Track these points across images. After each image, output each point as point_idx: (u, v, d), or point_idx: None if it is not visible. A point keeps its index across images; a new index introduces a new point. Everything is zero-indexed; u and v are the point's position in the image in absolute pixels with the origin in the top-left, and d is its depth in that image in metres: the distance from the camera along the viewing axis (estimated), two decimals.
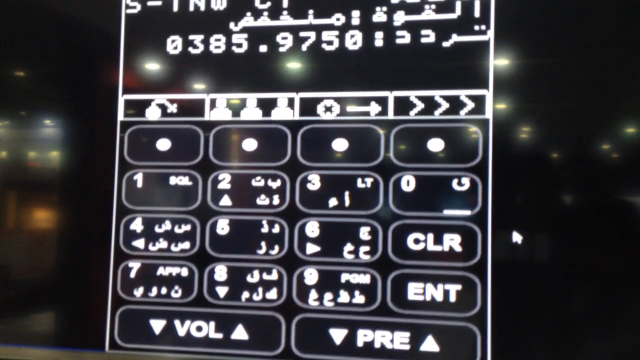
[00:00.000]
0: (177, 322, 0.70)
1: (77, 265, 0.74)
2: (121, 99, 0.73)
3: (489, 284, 0.63)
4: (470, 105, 0.65)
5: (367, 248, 0.66)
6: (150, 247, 0.71)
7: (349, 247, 0.66)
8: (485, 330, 0.63)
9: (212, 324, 0.69)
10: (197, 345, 0.69)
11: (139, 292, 0.71)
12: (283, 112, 0.69)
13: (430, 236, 0.65)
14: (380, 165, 0.66)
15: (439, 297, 0.64)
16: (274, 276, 0.68)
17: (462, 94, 0.65)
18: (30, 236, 0.76)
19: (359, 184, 0.67)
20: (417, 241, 0.65)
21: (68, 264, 0.74)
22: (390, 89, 0.67)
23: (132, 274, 0.71)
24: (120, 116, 0.73)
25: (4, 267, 0.76)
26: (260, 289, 0.68)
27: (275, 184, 0.68)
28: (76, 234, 0.74)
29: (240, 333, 0.68)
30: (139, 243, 0.71)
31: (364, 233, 0.66)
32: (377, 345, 0.65)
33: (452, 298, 0.64)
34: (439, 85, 0.66)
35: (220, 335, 0.69)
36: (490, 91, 0.65)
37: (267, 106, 0.69)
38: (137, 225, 0.71)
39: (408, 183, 0.66)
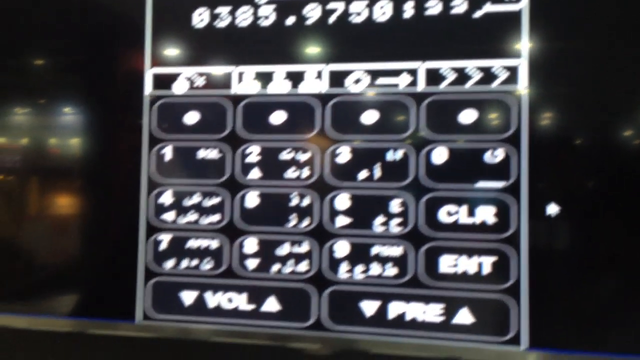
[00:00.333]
0: (207, 294, 0.70)
1: (108, 238, 0.74)
2: (149, 73, 0.72)
3: (524, 256, 0.63)
4: (504, 75, 0.64)
5: (398, 220, 0.65)
6: (180, 220, 0.71)
7: (380, 219, 0.66)
8: (519, 303, 0.62)
9: (243, 295, 0.69)
10: (227, 316, 0.69)
11: (169, 264, 0.71)
12: (312, 84, 0.68)
13: (463, 208, 0.64)
14: (412, 137, 0.65)
15: (472, 270, 0.64)
16: (304, 248, 0.68)
17: (496, 64, 0.64)
18: (63, 211, 0.76)
19: (390, 156, 0.66)
20: (449, 213, 0.64)
21: (99, 237, 0.75)
22: (421, 60, 0.66)
23: (163, 247, 0.71)
24: (149, 90, 0.72)
25: (37, 241, 0.77)
26: (290, 262, 0.68)
27: (304, 157, 0.68)
28: (107, 208, 0.74)
29: (271, 305, 0.68)
30: (169, 216, 0.71)
31: (395, 205, 0.65)
32: (408, 317, 0.65)
33: (486, 270, 0.63)
34: (471, 55, 0.64)
35: (251, 307, 0.69)
36: (524, 61, 0.63)
37: (295, 79, 0.69)
38: (166, 198, 0.71)
39: (440, 155, 0.65)
